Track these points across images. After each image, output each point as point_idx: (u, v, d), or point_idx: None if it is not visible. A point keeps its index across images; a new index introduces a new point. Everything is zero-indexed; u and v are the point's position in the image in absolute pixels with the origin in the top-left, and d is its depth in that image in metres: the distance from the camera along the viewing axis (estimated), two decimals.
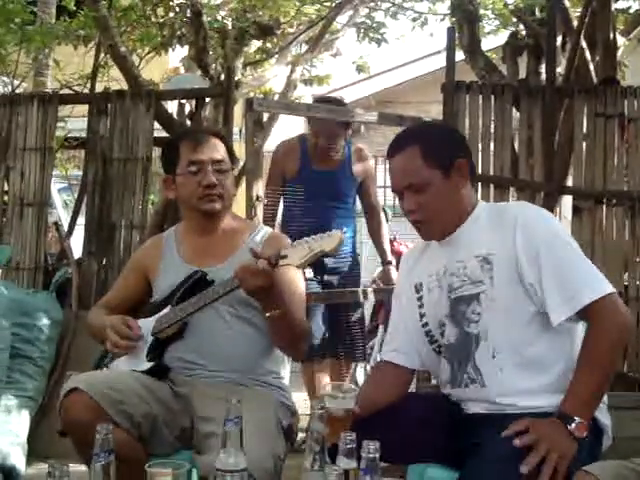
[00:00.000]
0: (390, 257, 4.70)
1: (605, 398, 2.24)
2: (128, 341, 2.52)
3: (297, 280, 2.59)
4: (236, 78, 5.74)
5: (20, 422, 3.97)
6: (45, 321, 4.24)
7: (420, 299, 2.37)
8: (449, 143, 2.31)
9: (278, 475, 2.29)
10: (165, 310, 2.57)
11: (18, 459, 3.82)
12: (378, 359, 6.07)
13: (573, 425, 2.02)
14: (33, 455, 3.91)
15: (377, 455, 1.62)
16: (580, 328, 2.18)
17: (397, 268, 6.86)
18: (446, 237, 2.32)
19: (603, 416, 2.22)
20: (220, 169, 2.63)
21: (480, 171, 4.29)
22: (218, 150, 2.66)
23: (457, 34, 5.16)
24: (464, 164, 2.27)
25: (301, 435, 2.75)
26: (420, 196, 2.25)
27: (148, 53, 7.00)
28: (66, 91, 6.34)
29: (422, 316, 2.35)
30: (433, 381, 2.50)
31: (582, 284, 2.13)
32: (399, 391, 2.39)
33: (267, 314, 2.38)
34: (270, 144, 8.60)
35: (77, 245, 4.74)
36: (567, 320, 2.13)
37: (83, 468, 2.14)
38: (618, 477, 1.83)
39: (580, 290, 2.12)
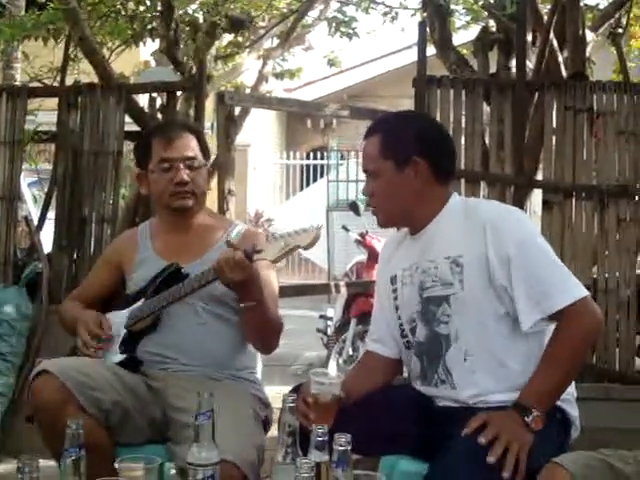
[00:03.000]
0: None
1: (573, 390, 2.26)
2: (97, 343, 2.51)
3: (270, 275, 2.59)
4: (207, 72, 5.71)
5: None
6: (15, 316, 4.21)
7: (395, 291, 2.38)
8: (409, 139, 2.29)
9: (260, 465, 2.30)
10: (139, 303, 2.56)
11: None
12: (350, 353, 6.14)
13: (530, 417, 2.04)
14: (4, 452, 3.89)
15: (349, 447, 1.63)
16: (551, 330, 2.19)
17: (368, 262, 6.91)
18: (418, 232, 2.33)
19: (571, 408, 2.25)
20: (192, 166, 2.61)
21: None
22: (190, 146, 2.63)
23: (428, 29, 5.18)
24: (421, 162, 2.26)
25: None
26: (373, 183, 2.31)
27: (119, 46, 6.95)
28: (36, 84, 6.29)
29: (397, 309, 2.37)
30: (405, 374, 2.50)
31: (554, 288, 2.13)
32: (385, 379, 2.42)
33: (242, 305, 2.38)
34: (242, 138, 8.59)
35: (47, 239, 4.70)
36: (538, 323, 2.14)
37: (53, 463, 2.14)
38: (587, 468, 1.85)
39: (551, 294, 2.12)
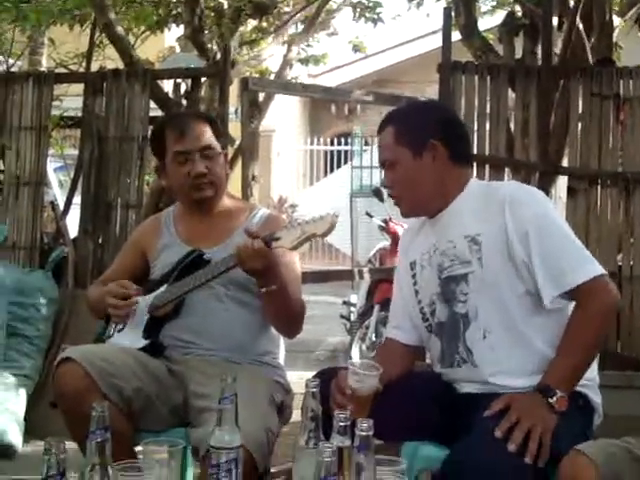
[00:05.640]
0: None
1: (596, 376, 2.26)
2: (126, 302, 2.54)
3: (293, 261, 2.60)
4: (232, 57, 5.72)
5: (17, 400, 3.99)
6: (41, 300, 4.26)
7: (414, 276, 2.38)
8: (424, 124, 2.30)
9: (270, 448, 2.31)
10: (162, 288, 2.57)
11: (15, 437, 3.85)
12: (373, 339, 6.15)
13: (554, 398, 2.04)
14: (30, 433, 3.93)
15: (371, 433, 1.64)
16: (571, 308, 2.19)
17: (391, 248, 6.91)
18: (436, 215, 2.33)
19: (594, 394, 2.24)
20: (208, 155, 2.61)
21: (475, 151, 4.29)
22: (204, 135, 2.62)
23: (453, 14, 5.14)
24: (438, 145, 2.27)
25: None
26: (393, 173, 2.31)
27: (143, 32, 6.97)
28: (61, 70, 6.33)
29: (417, 293, 2.37)
30: (428, 360, 2.51)
31: (571, 265, 2.14)
32: (404, 365, 2.41)
33: (263, 289, 2.39)
34: (266, 124, 8.60)
35: (73, 224, 4.75)
36: (557, 299, 2.14)
37: (76, 446, 2.16)
38: (611, 456, 1.84)
39: (569, 272, 2.13)
